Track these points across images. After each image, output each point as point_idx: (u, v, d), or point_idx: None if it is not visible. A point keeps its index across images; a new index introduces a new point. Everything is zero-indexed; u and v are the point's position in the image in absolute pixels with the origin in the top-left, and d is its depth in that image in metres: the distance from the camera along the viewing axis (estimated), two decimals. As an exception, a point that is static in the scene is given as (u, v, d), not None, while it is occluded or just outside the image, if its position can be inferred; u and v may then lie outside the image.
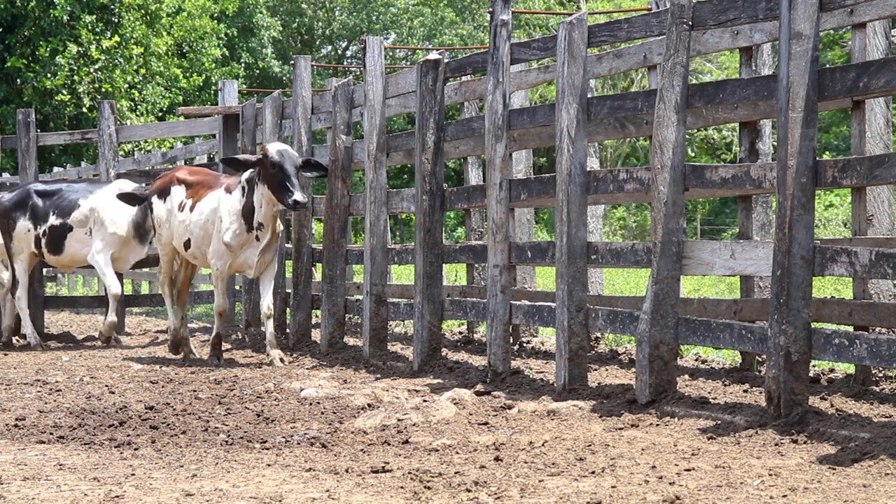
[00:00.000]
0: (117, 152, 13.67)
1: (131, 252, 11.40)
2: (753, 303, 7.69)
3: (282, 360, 9.39)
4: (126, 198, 10.88)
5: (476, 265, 11.03)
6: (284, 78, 39.42)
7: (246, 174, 9.49)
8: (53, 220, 11.33)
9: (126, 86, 24.39)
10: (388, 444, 5.75)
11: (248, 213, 9.47)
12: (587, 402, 6.71)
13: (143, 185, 11.34)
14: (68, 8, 22.95)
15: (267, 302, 9.69)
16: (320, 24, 45.52)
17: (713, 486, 4.60)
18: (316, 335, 11.11)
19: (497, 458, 5.25)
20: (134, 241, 11.31)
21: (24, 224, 11.43)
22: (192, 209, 9.84)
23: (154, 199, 10.25)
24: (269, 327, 9.66)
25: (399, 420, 6.34)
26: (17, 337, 11.91)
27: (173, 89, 27.64)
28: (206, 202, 9.76)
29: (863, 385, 7.04)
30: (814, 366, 7.74)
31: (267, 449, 5.66)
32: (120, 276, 11.76)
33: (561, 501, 4.42)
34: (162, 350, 11.10)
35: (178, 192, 10.01)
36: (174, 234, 10.01)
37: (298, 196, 9.14)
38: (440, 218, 8.94)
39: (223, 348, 9.89)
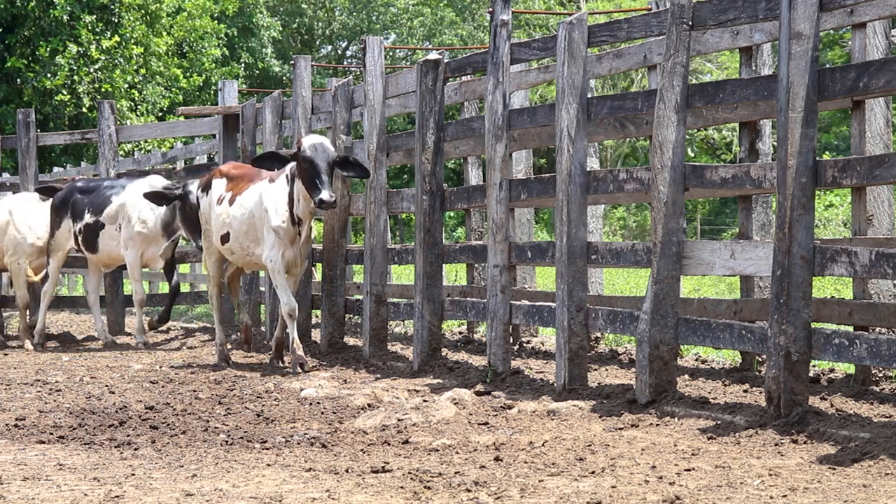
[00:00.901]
0: (117, 152, 13.67)
1: (160, 250, 11.28)
2: (753, 303, 7.69)
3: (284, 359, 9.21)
4: (153, 197, 10.72)
5: (476, 265, 11.02)
6: (284, 78, 39.42)
7: (292, 164, 9.01)
8: (88, 217, 11.35)
9: (126, 86, 24.38)
10: (388, 444, 5.75)
11: (291, 204, 9.05)
12: (587, 402, 6.71)
13: (173, 183, 11.18)
14: (68, 8, 22.94)
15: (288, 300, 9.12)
16: (320, 24, 45.52)
17: (713, 486, 4.60)
18: (316, 335, 11.11)
19: (497, 458, 5.25)
20: (163, 239, 11.21)
21: (66, 223, 11.51)
22: (231, 202, 9.43)
23: (199, 193, 9.94)
24: (291, 328, 9.12)
25: (399, 420, 6.34)
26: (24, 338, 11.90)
27: (173, 89, 27.63)
28: (247, 195, 9.34)
29: (863, 385, 7.03)
30: (814, 366, 7.74)
31: (267, 449, 5.66)
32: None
33: (561, 501, 4.42)
34: (162, 350, 11.10)
35: (218, 185, 9.65)
36: (213, 228, 9.64)
37: (325, 195, 8.62)
38: (440, 218, 8.94)
39: (227, 349, 9.81)
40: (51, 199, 11.68)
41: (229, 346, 10.56)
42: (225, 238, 9.51)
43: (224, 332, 9.80)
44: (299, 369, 8.84)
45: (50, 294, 11.69)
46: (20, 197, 12.08)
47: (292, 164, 8.99)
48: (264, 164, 9.03)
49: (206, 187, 9.84)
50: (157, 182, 11.19)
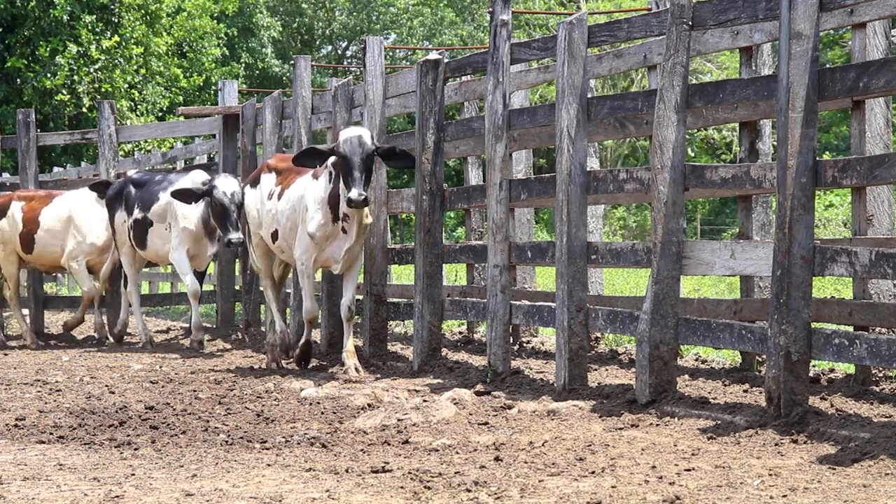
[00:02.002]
0: (117, 152, 13.66)
1: (206, 249, 11.06)
2: (753, 303, 7.69)
3: (357, 370, 8.50)
4: (180, 195, 10.42)
5: (476, 265, 11.02)
6: (284, 78, 39.41)
7: (332, 158, 8.52)
8: (137, 213, 11.20)
9: (126, 86, 24.35)
10: (388, 444, 5.75)
11: (333, 201, 8.55)
12: (587, 402, 6.71)
13: (204, 181, 10.90)
14: (68, 8, 22.93)
15: (347, 301, 8.81)
16: (320, 24, 45.52)
17: (713, 486, 4.60)
18: (316, 335, 11.10)
19: (497, 458, 5.25)
20: (205, 237, 10.99)
21: (120, 214, 11.38)
22: (279, 197, 9.05)
23: (247, 188, 9.60)
24: (348, 332, 8.76)
25: (399, 420, 6.34)
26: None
27: (173, 89, 27.61)
28: (293, 189, 8.93)
29: (863, 385, 7.04)
30: (814, 366, 7.74)
31: (267, 449, 5.66)
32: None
33: (561, 501, 4.42)
34: (162, 350, 11.09)
35: (267, 181, 9.30)
36: (263, 224, 9.31)
37: (352, 193, 8.15)
38: (440, 218, 8.94)
39: (222, 348, 9.83)
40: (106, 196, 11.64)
41: (228, 346, 10.55)
42: (275, 236, 9.16)
43: (283, 323, 9.54)
44: (298, 369, 8.86)
45: (135, 294, 11.54)
46: (79, 195, 11.93)
47: (334, 158, 8.49)
48: (305, 163, 8.58)
49: (254, 182, 9.49)
50: (199, 178, 10.79)
